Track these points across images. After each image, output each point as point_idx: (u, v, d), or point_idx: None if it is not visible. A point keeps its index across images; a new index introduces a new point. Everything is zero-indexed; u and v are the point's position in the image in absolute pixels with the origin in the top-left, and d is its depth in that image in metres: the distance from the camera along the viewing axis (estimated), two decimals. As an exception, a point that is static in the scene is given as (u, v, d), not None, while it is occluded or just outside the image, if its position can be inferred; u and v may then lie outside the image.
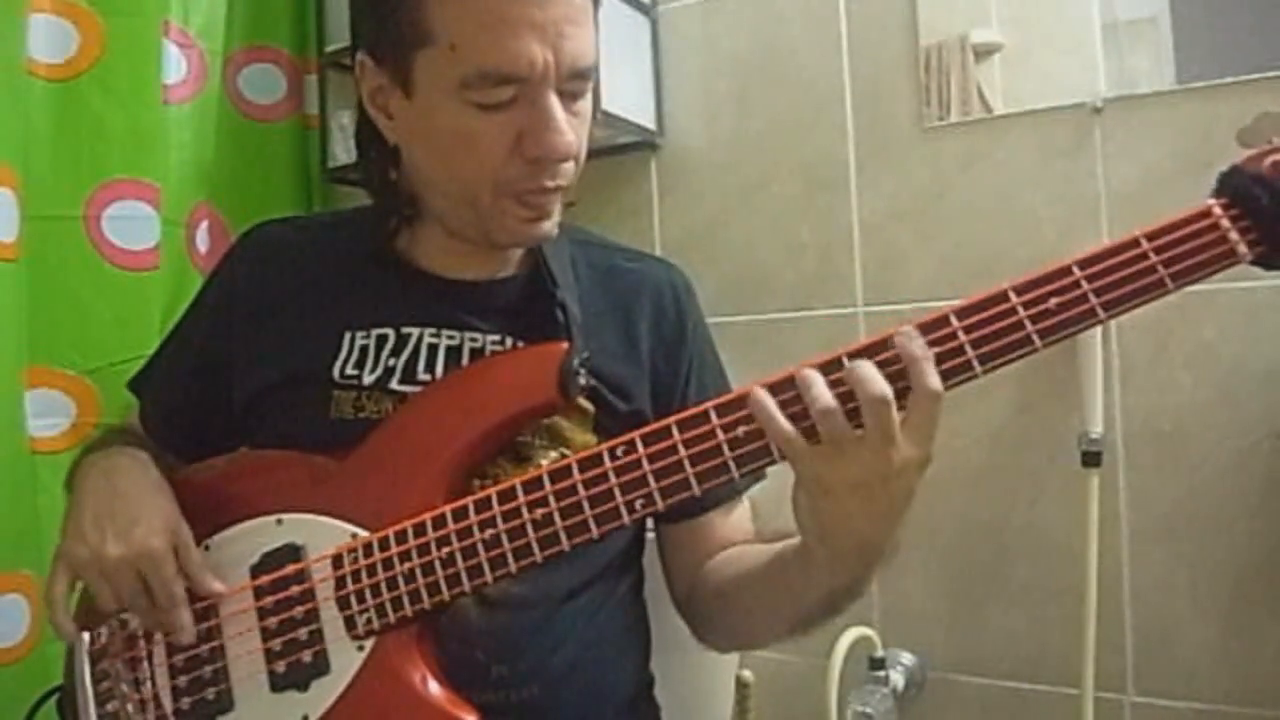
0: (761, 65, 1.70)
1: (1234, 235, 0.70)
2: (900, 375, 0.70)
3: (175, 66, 1.65)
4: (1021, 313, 0.71)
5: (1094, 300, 0.70)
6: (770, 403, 0.71)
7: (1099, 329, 1.37)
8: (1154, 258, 0.70)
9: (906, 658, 1.56)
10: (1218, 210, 0.71)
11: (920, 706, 1.56)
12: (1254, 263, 0.72)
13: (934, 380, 0.69)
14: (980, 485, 1.52)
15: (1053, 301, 0.71)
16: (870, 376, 0.69)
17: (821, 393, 0.69)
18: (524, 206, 0.86)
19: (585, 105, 0.86)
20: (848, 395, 0.69)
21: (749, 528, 1.01)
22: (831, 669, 1.48)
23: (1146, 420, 1.43)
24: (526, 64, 0.79)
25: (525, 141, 0.82)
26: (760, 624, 0.92)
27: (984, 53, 1.53)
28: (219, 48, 1.75)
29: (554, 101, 0.81)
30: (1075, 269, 0.71)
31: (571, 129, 0.83)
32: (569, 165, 0.86)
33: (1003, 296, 0.71)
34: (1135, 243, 0.71)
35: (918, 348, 0.70)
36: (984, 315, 0.71)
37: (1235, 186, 0.72)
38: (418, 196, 0.93)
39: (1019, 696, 1.50)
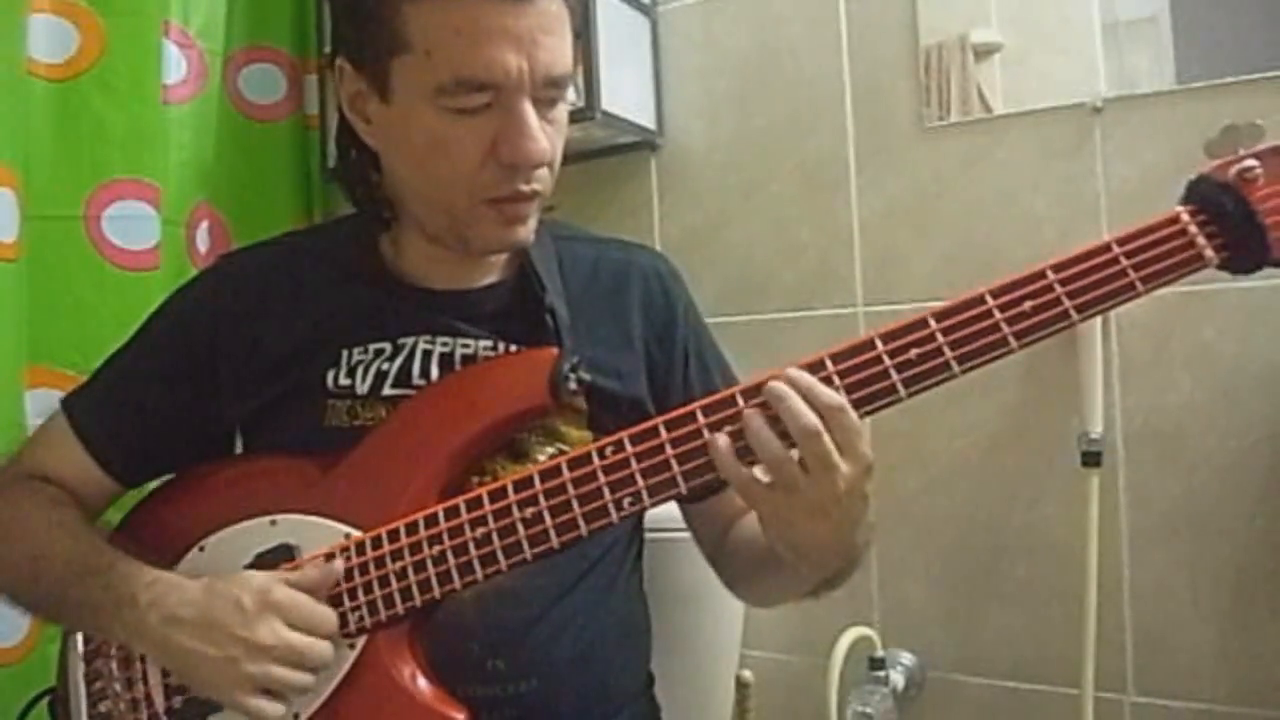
0: (761, 65, 1.70)
1: (1201, 240, 0.73)
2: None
3: (175, 66, 1.66)
4: (998, 315, 0.73)
5: (1067, 303, 0.73)
6: (729, 449, 0.74)
7: (1099, 329, 1.39)
8: (1125, 262, 0.73)
9: (906, 658, 1.56)
10: (1185, 217, 0.74)
11: (920, 706, 1.55)
12: (1220, 267, 0.75)
13: (831, 396, 0.72)
14: (980, 485, 1.51)
15: (1027, 304, 0.73)
16: (801, 410, 0.72)
17: (772, 442, 0.73)
18: (499, 213, 0.87)
19: (560, 113, 0.87)
20: (784, 433, 0.72)
21: None
22: (831, 669, 1.48)
23: (1146, 420, 1.42)
24: (501, 71, 0.80)
25: (500, 148, 0.83)
26: (778, 595, 1.00)
27: (984, 53, 1.52)
28: (219, 48, 1.76)
29: (528, 108, 0.82)
30: (1049, 273, 0.74)
31: (545, 136, 0.84)
32: (543, 171, 0.87)
33: (979, 300, 0.74)
34: (1107, 248, 0.74)
35: (800, 376, 0.73)
36: (962, 318, 0.74)
37: (1202, 194, 0.75)
38: (397, 202, 0.94)
39: (1019, 696, 1.50)
